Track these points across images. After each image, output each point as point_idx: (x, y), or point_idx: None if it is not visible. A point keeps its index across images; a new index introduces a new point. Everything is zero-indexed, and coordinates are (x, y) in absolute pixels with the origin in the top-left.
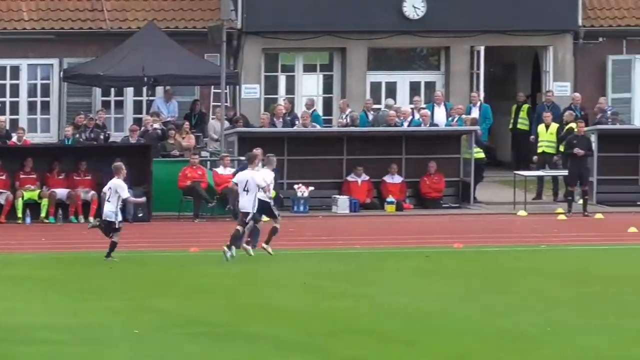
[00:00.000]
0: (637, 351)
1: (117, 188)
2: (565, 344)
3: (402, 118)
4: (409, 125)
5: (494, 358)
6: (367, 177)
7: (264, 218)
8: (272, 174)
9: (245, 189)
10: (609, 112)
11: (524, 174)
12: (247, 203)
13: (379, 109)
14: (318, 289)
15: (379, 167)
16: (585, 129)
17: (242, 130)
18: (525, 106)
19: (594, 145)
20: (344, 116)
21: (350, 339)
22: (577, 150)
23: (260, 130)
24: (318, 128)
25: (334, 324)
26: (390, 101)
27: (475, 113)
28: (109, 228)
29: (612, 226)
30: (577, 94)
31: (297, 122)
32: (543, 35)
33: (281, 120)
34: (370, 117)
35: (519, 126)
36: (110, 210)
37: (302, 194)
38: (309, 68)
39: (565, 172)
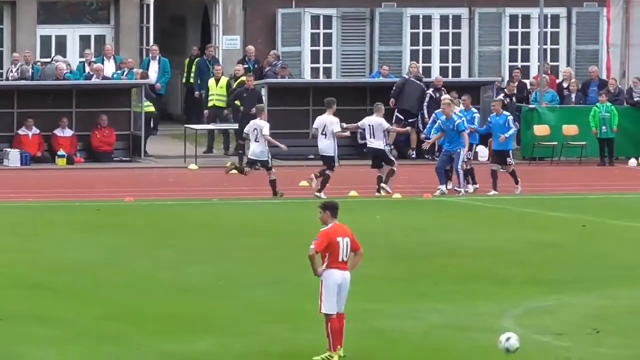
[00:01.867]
0: (305, 305)
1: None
2: (235, 298)
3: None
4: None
5: (166, 311)
6: (38, 131)
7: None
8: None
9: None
10: (278, 66)
11: (195, 128)
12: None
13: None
14: None
15: (50, 120)
16: (255, 82)
17: None
18: (197, 60)
19: (265, 99)
20: (14, 69)
21: (19, 294)
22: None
23: None
24: None
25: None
26: (59, 57)
27: (154, 67)
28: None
29: (284, 180)
30: (250, 47)
31: None
32: None
33: None
34: (30, 71)
35: (192, 80)
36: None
37: None
38: None
39: (235, 126)
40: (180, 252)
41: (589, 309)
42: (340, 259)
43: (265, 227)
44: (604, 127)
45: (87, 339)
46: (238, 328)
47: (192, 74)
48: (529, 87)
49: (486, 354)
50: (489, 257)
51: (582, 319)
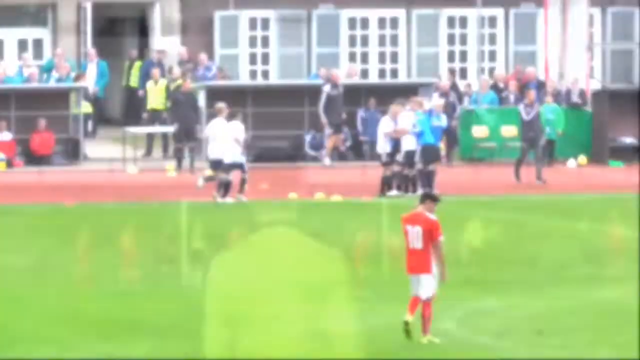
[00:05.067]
0: (246, 308)
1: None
2: (174, 300)
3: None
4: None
5: (106, 314)
6: None
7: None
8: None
9: None
10: (213, 68)
11: (134, 130)
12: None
13: None
14: None
15: None
16: (193, 85)
17: None
18: (137, 63)
19: (202, 102)
20: None
21: None
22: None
23: None
24: None
25: None
26: None
27: (92, 70)
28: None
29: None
30: (183, 49)
31: None
32: None
33: None
34: None
35: (131, 83)
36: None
37: None
38: None
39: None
40: (120, 255)
41: (528, 309)
42: (411, 247)
43: (207, 231)
44: (547, 129)
45: (24, 343)
46: (178, 331)
47: (131, 77)
48: (467, 88)
49: (428, 355)
50: None
51: (522, 320)
